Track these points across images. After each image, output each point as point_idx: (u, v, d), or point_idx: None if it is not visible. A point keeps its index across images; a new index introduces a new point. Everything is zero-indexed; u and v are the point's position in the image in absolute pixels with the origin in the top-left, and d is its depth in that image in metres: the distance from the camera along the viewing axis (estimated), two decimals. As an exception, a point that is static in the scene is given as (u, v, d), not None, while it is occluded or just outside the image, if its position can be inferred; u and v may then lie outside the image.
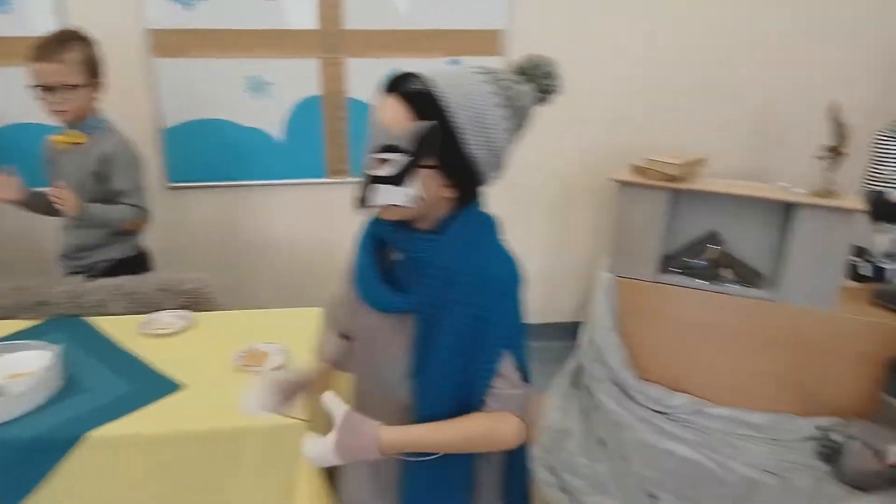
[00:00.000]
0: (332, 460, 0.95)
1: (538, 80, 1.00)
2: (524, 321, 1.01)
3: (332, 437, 0.95)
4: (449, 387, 0.99)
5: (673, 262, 2.55)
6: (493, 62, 2.35)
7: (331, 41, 2.56)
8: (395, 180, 0.92)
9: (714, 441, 2.39)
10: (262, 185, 2.73)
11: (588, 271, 3.03)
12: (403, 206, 0.94)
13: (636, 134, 2.84)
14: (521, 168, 2.83)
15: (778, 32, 2.76)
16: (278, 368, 1.50)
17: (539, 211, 2.99)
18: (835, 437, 2.26)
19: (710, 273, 2.47)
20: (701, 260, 2.50)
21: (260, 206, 2.78)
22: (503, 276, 1.00)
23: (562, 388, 2.70)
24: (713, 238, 2.48)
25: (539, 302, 3.11)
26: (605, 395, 2.55)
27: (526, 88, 0.97)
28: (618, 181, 2.43)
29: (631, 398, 2.57)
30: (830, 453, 2.27)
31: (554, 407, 2.59)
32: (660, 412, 2.54)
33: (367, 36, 2.57)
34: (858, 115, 2.38)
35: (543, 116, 1.07)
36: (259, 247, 2.83)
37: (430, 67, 0.94)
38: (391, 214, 0.97)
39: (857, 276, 2.43)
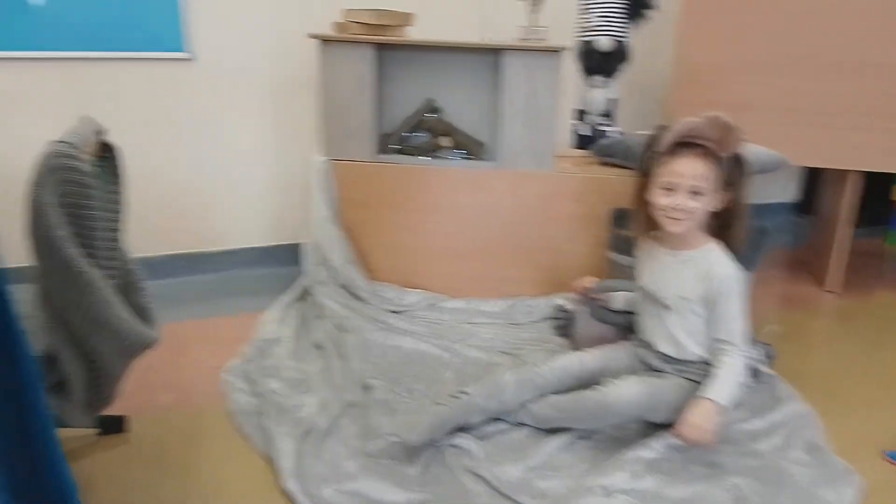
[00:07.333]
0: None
1: None
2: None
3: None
4: None
5: (392, 140, 2.25)
6: None
7: None
8: None
9: (445, 331, 2.10)
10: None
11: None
12: None
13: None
14: (210, 49, 2.38)
15: None
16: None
17: (248, 103, 2.50)
18: (568, 307, 2.07)
19: (430, 146, 2.20)
20: (420, 133, 2.22)
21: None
22: None
23: (283, 303, 2.27)
24: (430, 107, 2.21)
25: (267, 218, 2.67)
26: (330, 300, 2.17)
27: None
28: (317, 38, 2.08)
29: (360, 300, 2.21)
30: (565, 325, 2.08)
31: (270, 320, 2.15)
32: (393, 311, 2.21)
33: None
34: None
35: None
36: None
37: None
38: None
39: (580, 143, 2.30)
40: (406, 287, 2.28)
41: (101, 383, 1.20)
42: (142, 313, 1.31)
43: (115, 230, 1.32)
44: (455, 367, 1.90)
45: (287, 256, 2.59)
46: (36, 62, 2.16)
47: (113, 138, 1.30)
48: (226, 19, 2.33)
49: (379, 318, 2.13)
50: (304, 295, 2.30)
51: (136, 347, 1.21)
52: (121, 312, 1.14)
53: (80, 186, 1.04)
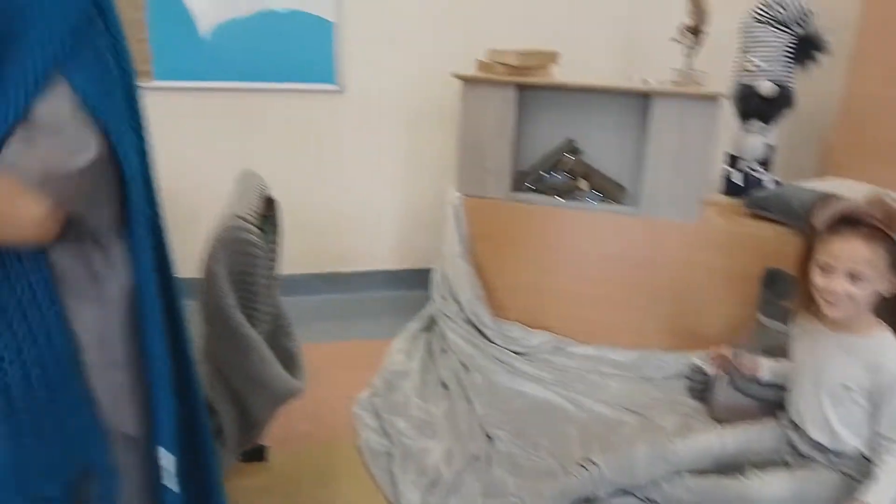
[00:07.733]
0: None
1: None
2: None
3: None
4: None
5: (528, 179, 2.22)
6: None
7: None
8: None
9: (571, 380, 2.05)
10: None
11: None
12: None
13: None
14: (357, 82, 2.50)
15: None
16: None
17: (386, 134, 2.58)
18: (706, 370, 1.96)
19: (567, 187, 2.15)
20: (557, 173, 2.18)
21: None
22: None
23: (411, 332, 2.32)
24: (570, 148, 2.16)
25: (396, 244, 2.73)
26: (456, 335, 2.18)
27: None
28: (461, 78, 2.09)
29: (485, 338, 2.21)
30: (701, 389, 1.97)
31: (398, 350, 2.21)
32: (517, 353, 2.19)
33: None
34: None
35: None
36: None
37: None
38: None
39: (730, 189, 2.15)
40: (531, 327, 2.25)
41: (251, 430, 1.28)
42: (289, 358, 1.38)
43: (271, 278, 1.40)
44: (580, 422, 1.85)
45: (416, 280, 2.63)
46: (201, 91, 2.34)
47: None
48: (375, 55, 2.42)
49: (503, 358, 2.11)
50: (431, 325, 2.33)
51: (285, 398, 1.27)
52: (275, 369, 1.21)
53: (249, 257, 1.11)
